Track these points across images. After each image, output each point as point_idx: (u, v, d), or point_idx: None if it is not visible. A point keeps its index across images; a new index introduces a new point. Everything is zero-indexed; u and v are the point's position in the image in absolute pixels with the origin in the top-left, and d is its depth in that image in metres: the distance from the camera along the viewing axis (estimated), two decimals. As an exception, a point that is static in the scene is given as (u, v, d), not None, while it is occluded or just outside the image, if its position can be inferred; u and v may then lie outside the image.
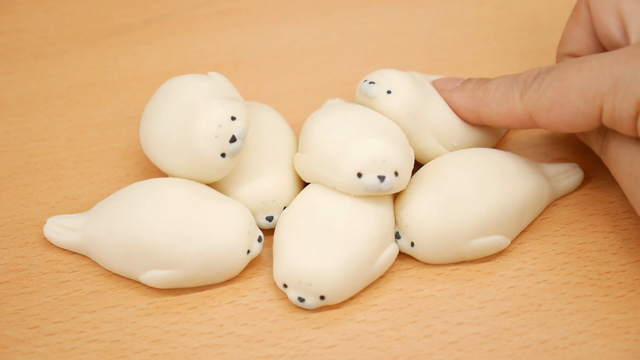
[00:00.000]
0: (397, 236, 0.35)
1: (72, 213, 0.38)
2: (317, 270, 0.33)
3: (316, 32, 0.50)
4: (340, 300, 0.33)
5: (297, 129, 0.41)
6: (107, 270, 0.35)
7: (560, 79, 0.33)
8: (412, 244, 0.35)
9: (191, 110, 0.35)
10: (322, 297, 0.33)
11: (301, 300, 0.33)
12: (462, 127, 0.38)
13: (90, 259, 0.36)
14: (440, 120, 0.37)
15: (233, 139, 0.34)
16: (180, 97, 0.36)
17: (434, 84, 0.38)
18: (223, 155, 0.34)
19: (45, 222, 0.36)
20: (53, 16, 0.51)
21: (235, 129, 0.34)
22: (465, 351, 0.32)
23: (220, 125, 0.34)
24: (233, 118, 0.34)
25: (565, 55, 0.38)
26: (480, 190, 0.34)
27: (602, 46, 0.37)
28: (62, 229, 0.36)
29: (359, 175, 0.34)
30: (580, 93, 0.32)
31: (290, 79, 0.47)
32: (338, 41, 0.50)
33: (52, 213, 0.38)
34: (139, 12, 0.52)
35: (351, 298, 0.34)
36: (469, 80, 0.38)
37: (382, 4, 0.53)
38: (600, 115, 0.33)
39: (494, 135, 0.40)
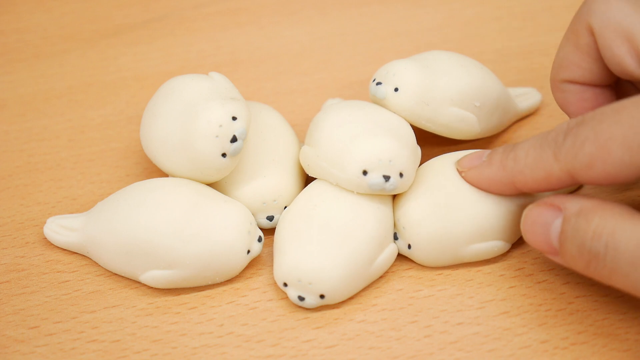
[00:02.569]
0: (395, 237, 0.35)
1: (72, 213, 0.38)
2: (317, 269, 0.33)
3: (316, 32, 0.50)
4: (340, 300, 0.33)
5: (297, 129, 0.41)
6: (107, 270, 0.35)
7: (596, 131, 0.30)
8: (409, 246, 0.35)
9: (192, 110, 0.35)
10: (322, 296, 0.33)
11: (301, 299, 0.33)
12: (478, 86, 0.38)
13: (90, 259, 0.36)
14: (455, 87, 0.37)
15: (234, 139, 0.34)
16: (180, 97, 0.36)
17: (459, 164, 0.35)
18: (224, 155, 0.34)
19: (45, 222, 0.36)
20: (53, 16, 0.51)
21: (236, 129, 0.34)
22: (465, 351, 0.32)
23: (220, 125, 0.34)
24: (234, 118, 0.34)
25: (565, 82, 0.36)
26: (480, 194, 0.34)
27: (609, 72, 0.35)
28: (62, 229, 0.36)
29: (365, 172, 0.34)
30: (623, 145, 0.30)
31: (290, 79, 0.47)
32: (338, 41, 0.50)
33: (52, 213, 0.38)
34: (139, 12, 0.52)
35: (351, 298, 0.34)
36: (494, 151, 0.35)
37: (382, 3, 0.53)
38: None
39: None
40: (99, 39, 0.50)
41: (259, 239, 0.35)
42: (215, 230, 0.33)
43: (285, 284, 0.33)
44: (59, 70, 0.47)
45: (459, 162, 0.36)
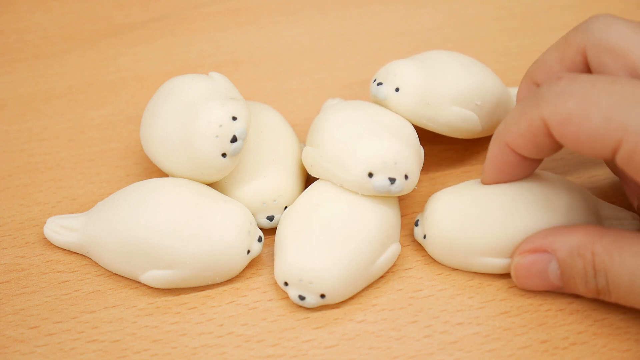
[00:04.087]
0: (416, 223, 0.36)
1: (72, 213, 0.38)
2: (318, 269, 0.33)
3: (316, 32, 0.50)
4: (340, 299, 0.33)
5: (297, 129, 0.41)
6: (107, 270, 0.35)
7: (584, 92, 0.30)
8: (425, 237, 0.35)
9: (192, 110, 0.35)
10: (322, 296, 0.33)
11: (301, 298, 0.33)
12: (479, 85, 0.38)
13: (90, 259, 0.36)
14: (455, 87, 0.37)
15: (234, 139, 0.34)
16: (180, 97, 0.36)
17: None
18: (224, 155, 0.34)
19: (45, 222, 0.36)
20: (53, 16, 0.51)
21: (236, 129, 0.34)
22: (465, 351, 0.32)
23: (221, 125, 0.34)
24: (234, 118, 0.34)
25: (536, 84, 0.35)
26: (510, 217, 0.33)
27: None
28: (62, 229, 0.36)
29: (370, 175, 0.34)
30: (603, 115, 0.29)
31: (290, 79, 0.47)
32: (338, 41, 0.50)
33: (52, 213, 0.38)
34: (139, 12, 0.52)
35: (351, 298, 0.34)
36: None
37: (382, 3, 0.53)
38: (616, 150, 0.29)
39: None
40: (99, 39, 0.50)
41: (259, 239, 0.35)
42: (215, 230, 0.33)
43: (286, 283, 0.33)
44: (59, 70, 0.47)
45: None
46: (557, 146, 0.32)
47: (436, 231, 0.34)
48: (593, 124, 0.29)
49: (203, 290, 0.35)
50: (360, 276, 0.33)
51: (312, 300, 0.33)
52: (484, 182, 0.35)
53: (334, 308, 0.34)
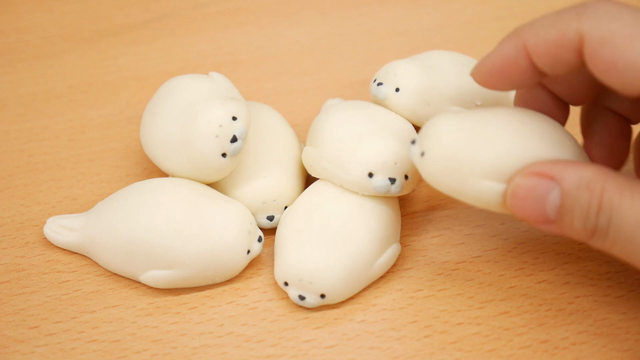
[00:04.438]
0: (413, 142, 0.32)
1: (72, 213, 0.38)
2: (318, 269, 0.33)
3: (316, 32, 0.50)
4: (340, 300, 0.33)
5: (297, 129, 0.41)
6: (107, 270, 0.35)
7: (634, 17, 0.27)
8: (423, 154, 0.31)
9: (192, 110, 0.35)
10: (322, 296, 0.33)
11: (302, 298, 0.33)
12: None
13: (90, 259, 0.36)
14: (455, 86, 0.37)
15: (234, 139, 0.34)
16: (180, 97, 0.36)
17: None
18: (224, 155, 0.34)
19: (45, 222, 0.36)
20: (53, 16, 0.51)
21: (236, 129, 0.34)
22: (465, 351, 0.32)
23: (221, 125, 0.34)
24: (234, 118, 0.34)
25: (528, 52, 0.31)
26: (519, 139, 0.30)
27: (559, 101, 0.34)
28: (62, 229, 0.36)
29: (370, 175, 0.34)
30: None
31: (290, 79, 0.47)
32: (338, 41, 0.50)
33: (52, 213, 0.38)
34: (139, 12, 0.52)
35: (351, 298, 0.34)
36: None
37: (382, 3, 0.53)
38: None
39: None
40: (99, 39, 0.50)
41: (259, 239, 0.35)
42: (215, 230, 0.33)
43: (286, 283, 0.33)
44: (59, 70, 0.47)
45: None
46: (578, 68, 0.29)
47: (437, 146, 0.30)
48: (634, 52, 0.27)
49: (203, 290, 0.35)
50: (360, 276, 0.33)
51: (312, 300, 0.33)
52: (475, 76, 0.32)
53: (334, 308, 0.34)
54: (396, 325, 0.33)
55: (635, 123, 0.35)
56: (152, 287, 0.35)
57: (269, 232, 0.37)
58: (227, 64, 0.48)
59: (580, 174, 0.29)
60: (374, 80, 0.38)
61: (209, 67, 0.47)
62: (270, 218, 0.36)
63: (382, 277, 0.35)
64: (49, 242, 0.36)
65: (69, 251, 0.36)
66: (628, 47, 0.27)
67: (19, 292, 0.35)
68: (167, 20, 0.51)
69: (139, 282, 0.35)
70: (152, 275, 0.34)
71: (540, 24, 0.30)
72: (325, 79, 0.47)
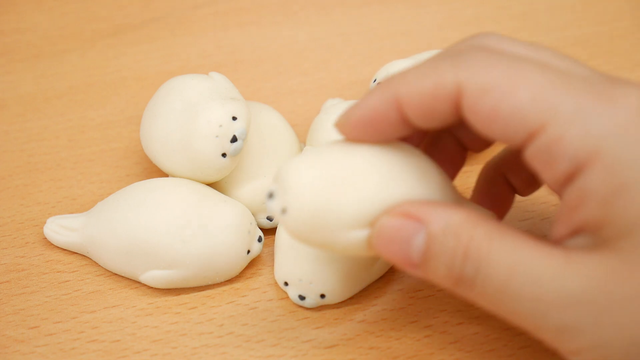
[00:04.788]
0: (270, 195, 0.28)
1: (72, 213, 0.38)
2: (318, 269, 0.33)
3: (316, 32, 0.50)
4: (340, 300, 0.33)
5: (297, 129, 0.41)
6: (107, 270, 0.35)
7: (514, 64, 0.25)
8: (284, 211, 0.28)
9: (192, 110, 0.35)
10: (322, 296, 0.33)
11: (302, 298, 0.33)
12: None
13: (90, 259, 0.36)
14: None
15: (234, 139, 0.34)
16: (180, 97, 0.36)
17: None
18: (224, 155, 0.34)
19: (45, 222, 0.36)
20: (53, 16, 0.51)
21: (236, 129, 0.34)
22: (465, 351, 0.32)
23: (221, 125, 0.34)
24: (234, 118, 0.34)
25: (400, 105, 0.28)
26: (385, 182, 0.28)
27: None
28: (62, 229, 0.36)
29: None
30: (532, 94, 0.25)
31: (290, 79, 0.47)
32: (338, 41, 0.50)
33: (52, 213, 0.38)
34: (139, 12, 0.52)
35: (351, 298, 0.34)
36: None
37: (382, 3, 0.53)
38: (534, 135, 0.25)
39: None
40: (99, 39, 0.50)
41: (259, 239, 0.35)
42: (215, 230, 0.33)
43: (286, 283, 0.33)
44: (59, 70, 0.47)
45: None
46: (453, 120, 0.27)
47: (299, 203, 0.27)
48: (517, 100, 0.25)
49: (203, 290, 0.35)
50: (361, 276, 0.33)
51: (312, 300, 0.33)
52: (340, 127, 0.29)
53: (334, 308, 0.34)
54: (396, 325, 0.33)
55: (522, 194, 0.34)
56: (152, 287, 0.34)
57: (269, 232, 0.37)
58: (227, 64, 0.48)
59: (447, 217, 0.27)
60: (374, 80, 0.38)
61: (209, 67, 0.47)
62: (270, 218, 0.36)
63: (382, 277, 0.35)
64: (49, 242, 0.36)
65: (69, 251, 0.36)
66: (510, 96, 0.25)
67: (19, 292, 0.35)
68: (167, 20, 0.51)
69: (139, 282, 0.35)
70: (152, 275, 0.34)
71: (414, 75, 0.27)
72: (325, 79, 0.47)
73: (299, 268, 0.33)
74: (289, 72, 0.47)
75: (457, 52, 0.27)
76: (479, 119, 0.26)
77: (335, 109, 0.37)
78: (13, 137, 0.43)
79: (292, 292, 0.33)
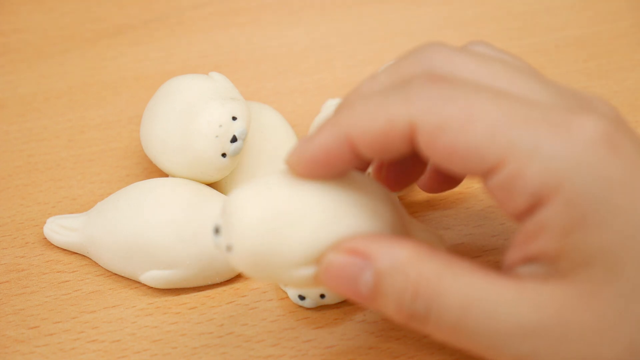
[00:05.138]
0: (216, 230, 0.27)
1: (72, 213, 0.38)
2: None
3: (316, 32, 0.50)
4: (340, 299, 0.33)
5: (297, 129, 0.41)
6: (107, 270, 0.35)
7: (469, 99, 0.25)
8: (229, 248, 0.27)
9: (192, 110, 0.35)
10: (322, 296, 0.33)
11: (301, 298, 0.33)
12: None
13: (90, 259, 0.36)
14: None
15: (234, 139, 0.34)
16: (180, 97, 0.36)
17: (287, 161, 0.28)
18: (224, 155, 0.34)
19: (45, 222, 0.36)
20: (53, 16, 0.51)
21: (236, 128, 0.34)
22: (465, 351, 0.32)
23: (220, 125, 0.34)
24: (234, 118, 0.34)
25: (352, 144, 0.26)
26: (333, 219, 0.27)
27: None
28: (62, 229, 0.36)
29: (370, 175, 0.34)
30: (489, 129, 0.24)
31: (290, 79, 0.47)
32: (338, 41, 0.50)
33: (52, 213, 0.38)
34: (139, 12, 0.52)
35: (351, 298, 0.34)
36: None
37: (382, 3, 0.53)
38: (494, 170, 0.24)
39: None
40: (99, 39, 0.50)
41: (259, 239, 0.35)
42: (215, 230, 0.33)
43: (285, 284, 0.33)
44: (59, 70, 0.47)
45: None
46: (409, 152, 0.26)
47: (243, 242, 0.27)
48: (474, 137, 0.24)
49: (203, 290, 0.35)
50: (360, 276, 0.33)
51: (312, 300, 0.33)
52: (292, 166, 0.28)
53: (334, 308, 0.34)
54: (396, 325, 0.33)
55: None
56: (152, 287, 0.34)
57: (269, 232, 0.37)
58: (227, 64, 0.48)
59: (394, 254, 0.26)
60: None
61: (209, 67, 0.47)
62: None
63: (382, 277, 0.35)
64: (49, 242, 0.36)
65: (69, 251, 0.36)
66: (466, 132, 0.24)
67: (19, 292, 0.35)
68: (167, 20, 0.51)
69: (139, 282, 0.35)
70: (152, 275, 0.34)
71: (364, 113, 0.26)
72: (325, 79, 0.47)
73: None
74: (289, 72, 0.47)
75: (406, 84, 0.26)
76: (435, 155, 0.25)
77: (333, 109, 0.37)
78: (13, 137, 0.43)
79: (292, 292, 0.33)
